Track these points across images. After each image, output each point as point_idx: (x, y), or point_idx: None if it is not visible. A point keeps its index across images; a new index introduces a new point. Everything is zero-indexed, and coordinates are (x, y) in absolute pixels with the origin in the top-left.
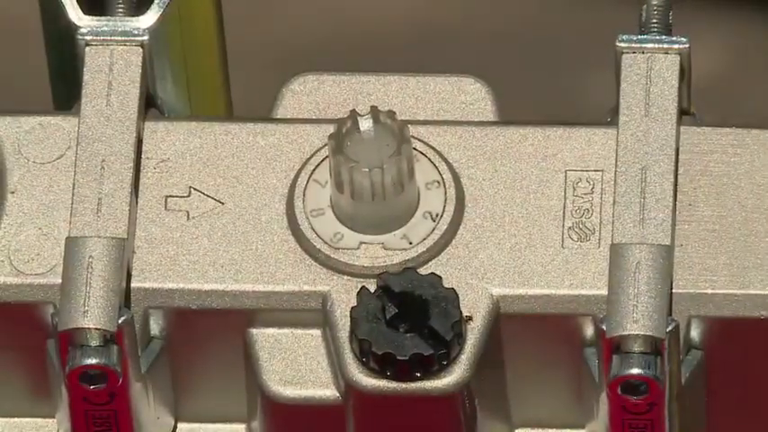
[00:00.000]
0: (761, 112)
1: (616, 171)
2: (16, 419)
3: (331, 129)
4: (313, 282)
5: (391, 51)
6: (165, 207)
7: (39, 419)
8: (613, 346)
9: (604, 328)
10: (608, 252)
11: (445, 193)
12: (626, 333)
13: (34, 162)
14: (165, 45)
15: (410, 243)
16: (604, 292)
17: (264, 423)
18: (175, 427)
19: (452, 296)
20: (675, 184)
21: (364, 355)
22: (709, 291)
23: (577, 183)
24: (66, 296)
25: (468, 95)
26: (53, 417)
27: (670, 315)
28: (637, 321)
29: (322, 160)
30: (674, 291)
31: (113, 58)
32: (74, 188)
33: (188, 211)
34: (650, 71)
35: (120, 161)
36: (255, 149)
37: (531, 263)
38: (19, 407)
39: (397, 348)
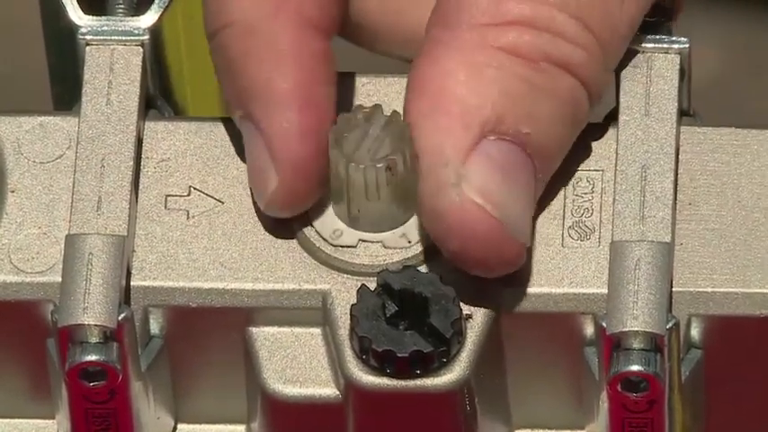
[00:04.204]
0: (761, 112)
1: (616, 170)
2: (16, 420)
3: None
4: (313, 280)
5: None
6: (165, 206)
7: (39, 420)
8: (613, 343)
9: (604, 324)
10: (608, 251)
11: None
12: (626, 329)
13: (34, 161)
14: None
15: (409, 241)
16: (604, 290)
17: (265, 422)
18: (175, 428)
19: (452, 294)
20: (675, 183)
21: (364, 353)
22: (710, 289)
23: (577, 182)
24: (65, 293)
25: None
26: (53, 418)
27: (670, 312)
28: (636, 318)
29: None
30: (674, 289)
31: (114, 58)
32: (74, 186)
33: (188, 210)
34: (650, 71)
35: (120, 160)
36: None
37: (531, 261)
38: (19, 408)
39: (396, 345)
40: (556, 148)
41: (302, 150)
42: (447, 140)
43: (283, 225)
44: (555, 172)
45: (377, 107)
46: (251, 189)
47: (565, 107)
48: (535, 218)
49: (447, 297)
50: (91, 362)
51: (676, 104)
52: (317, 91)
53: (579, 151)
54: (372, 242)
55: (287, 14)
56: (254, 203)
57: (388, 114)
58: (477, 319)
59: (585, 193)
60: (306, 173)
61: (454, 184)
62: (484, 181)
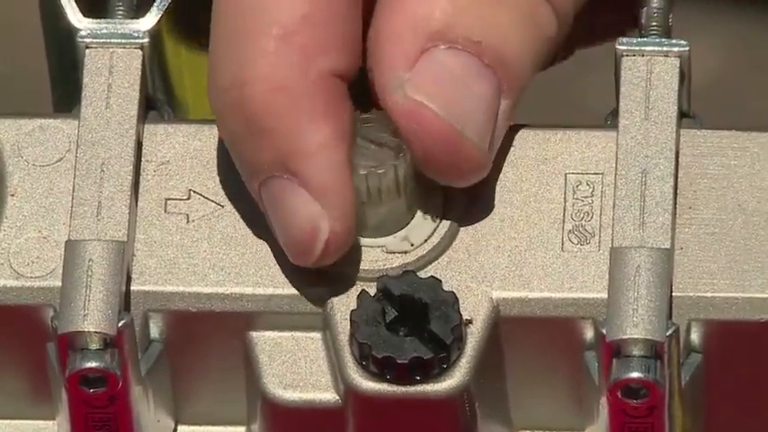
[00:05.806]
0: (761, 111)
1: (616, 174)
2: (17, 422)
3: None
4: (313, 285)
5: None
6: (165, 210)
7: (39, 422)
8: (613, 350)
9: (604, 331)
10: (608, 255)
11: (445, 196)
12: (626, 337)
13: (34, 165)
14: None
15: (411, 245)
16: (604, 295)
17: (264, 426)
18: (175, 430)
19: (452, 299)
20: (675, 187)
21: (364, 359)
22: (709, 294)
23: (577, 186)
24: (65, 299)
25: None
26: (53, 419)
27: (670, 319)
28: (637, 325)
29: None
30: (674, 294)
31: (113, 61)
32: (74, 191)
33: (188, 214)
34: (650, 74)
35: (119, 164)
36: None
37: (531, 266)
38: (19, 409)
39: (396, 352)
40: (517, 61)
41: (352, 190)
42: (394, 49)
43: None
44: (555, 175)
45: (374, 112)
46: (283, 246)
47: (522, 17)
48: (534, 221)
49: (447, 303)
50: (91, 368)
51: (676, 108)
52: (350, 137)
53: (579, 154)
54: (374, 247)
55: (319, 72)
56: (254, 206)
57: (384, 117)
58: (477, 324)
59: (585, 197)
60: (355, 211)
61: (397, 87)
62: (429, 83)
